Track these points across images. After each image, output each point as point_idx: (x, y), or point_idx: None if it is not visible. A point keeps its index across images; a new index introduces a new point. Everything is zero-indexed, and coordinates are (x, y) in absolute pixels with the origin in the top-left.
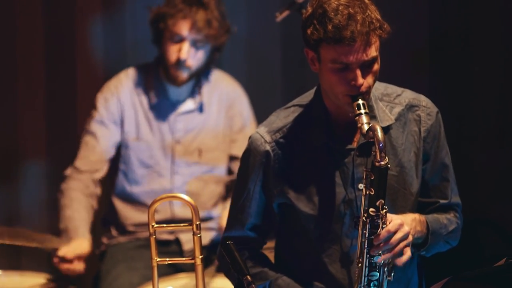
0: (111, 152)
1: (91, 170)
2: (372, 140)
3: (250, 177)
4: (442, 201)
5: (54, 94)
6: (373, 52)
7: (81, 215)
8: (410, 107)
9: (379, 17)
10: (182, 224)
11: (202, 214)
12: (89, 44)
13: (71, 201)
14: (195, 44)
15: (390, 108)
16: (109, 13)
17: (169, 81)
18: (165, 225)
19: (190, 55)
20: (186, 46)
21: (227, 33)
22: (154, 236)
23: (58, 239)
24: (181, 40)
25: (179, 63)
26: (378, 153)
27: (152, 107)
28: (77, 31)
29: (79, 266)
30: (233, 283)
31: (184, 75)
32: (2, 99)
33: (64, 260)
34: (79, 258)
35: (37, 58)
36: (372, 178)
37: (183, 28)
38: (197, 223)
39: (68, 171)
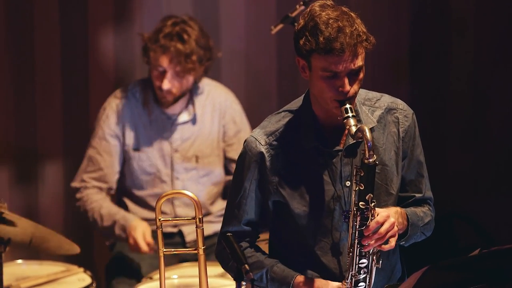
0: (116, 166)
1: (99, 183)
2: (360, 140)
3: (246, 176)
4: (417, 195)
5: (70, 98)
6: (359, 62)
7: (116, 207)
8: (389, 110)
9: (365, 30)
10: (186, 218)
11: None
12: (101, 53)
13: (99, 201)
14: (177, 74)
15: (371, 111)
16: (119, 25)
17: (156, 102)
18: (170, 218)
19: (173, 84)
20: (167, 77)
21: (210, 60)
22: (161, 229)
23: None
24: (163, 71)
25: (162, 91)
26: (367, 152)
27: (151, 121)
28: (90, 41)
29: (147, 243)
30: (232, 275)
31: (168, 98)
32: (22, 103)
33: (136, 245)
34: (147, 237)
35: (54, 65)
36: (362, 175)
37: (164, 61)
38: (200, 217)
39: (76, 183)
